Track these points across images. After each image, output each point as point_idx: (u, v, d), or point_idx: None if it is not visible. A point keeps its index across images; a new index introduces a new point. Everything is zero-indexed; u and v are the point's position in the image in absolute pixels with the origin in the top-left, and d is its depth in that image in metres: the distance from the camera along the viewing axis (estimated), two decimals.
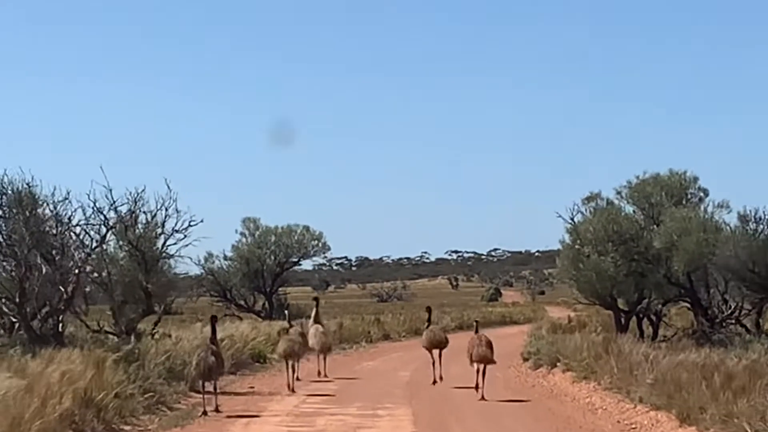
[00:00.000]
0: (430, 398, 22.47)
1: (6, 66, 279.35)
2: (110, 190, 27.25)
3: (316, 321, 28.22)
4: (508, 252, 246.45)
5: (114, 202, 27.32)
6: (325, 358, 28.20)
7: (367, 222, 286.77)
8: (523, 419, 19.20)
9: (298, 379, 25.24)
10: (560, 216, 33.29)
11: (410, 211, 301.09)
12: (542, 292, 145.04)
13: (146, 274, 27.47)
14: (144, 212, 28.08)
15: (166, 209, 27.84)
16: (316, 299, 30.58)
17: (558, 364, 26.59)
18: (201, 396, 20.35)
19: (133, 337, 26.17)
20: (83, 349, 21.83)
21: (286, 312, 31.22)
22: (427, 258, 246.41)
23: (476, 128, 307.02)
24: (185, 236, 28.41)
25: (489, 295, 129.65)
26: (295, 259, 51.38)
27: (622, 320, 33.42)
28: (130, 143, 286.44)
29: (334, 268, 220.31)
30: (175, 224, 28.14)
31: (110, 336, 27.49)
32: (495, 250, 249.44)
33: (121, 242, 28.22)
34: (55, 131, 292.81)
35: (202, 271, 49.14)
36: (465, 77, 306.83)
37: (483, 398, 22.14)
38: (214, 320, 21.71)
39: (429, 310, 28.66)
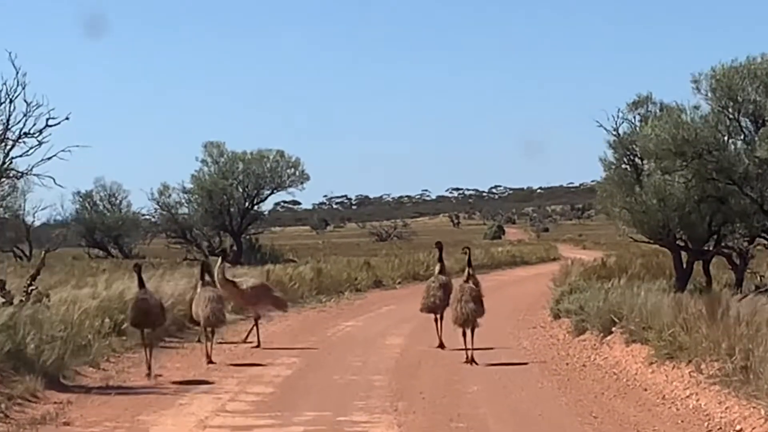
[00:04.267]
0: (431, 396, 14.05)
1: None
2: None
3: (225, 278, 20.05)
4: (510, 189, 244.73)
5: None
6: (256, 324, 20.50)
7: (367, 160, 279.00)
8: None
9: (210, 361, 17.29)
10: (601, 125, 25.00)
11: (410, 149, 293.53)
12: (546, 229, 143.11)
13: None
14: None
15: (11, 100, 18.98)
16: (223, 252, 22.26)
17: (614, 328, 18.37)
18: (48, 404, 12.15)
19: None
20: None
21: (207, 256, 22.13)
22: (428, 196, 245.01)
23: (478, 57, 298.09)
24: (40, 143, 19.59)
25: (492, 233, 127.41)
26: (268, 191, 42.80)
27: (684, 263, 25.14)
28: None
29: (334, 206, 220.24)
30: (24, 124, 19.35)
31: None
32: (496, 187, 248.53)
33: None
34: None
35: (156, 207, 40.73)
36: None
37: (472, 361, 16.83)
38: (137, 269, 16.69)
39: (439, 247, 20.32)
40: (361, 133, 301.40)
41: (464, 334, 17.08)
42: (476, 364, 16.76)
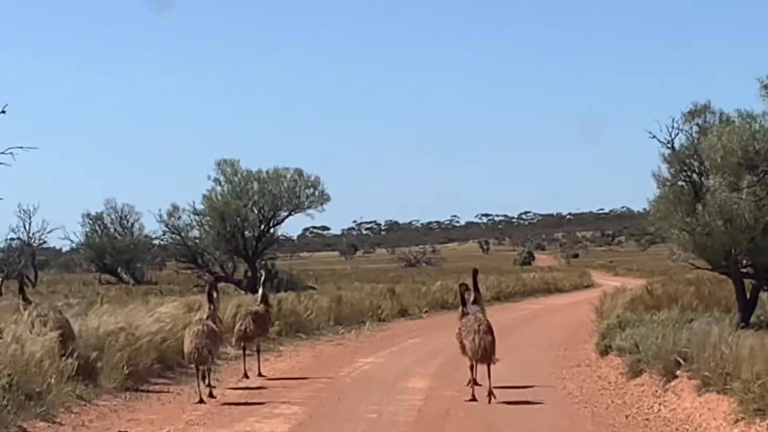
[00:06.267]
0: None
1: None
2: None
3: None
4: (539, 215, 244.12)
5: None
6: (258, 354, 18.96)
7: (397, 186, 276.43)
8: None
9: (211, 394, 15.06)
10: (654, 137, 22.02)
11: (440, 175, 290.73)
12: (576, 255, 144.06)
13: None
14: None
15: None
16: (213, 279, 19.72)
17: (679, 371, 15.31)
18: None
19: None
20: None
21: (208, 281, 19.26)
22: (457, 222, 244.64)
23: (506, 78, 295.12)
24: None
25: (522, 259, 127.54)
26: (285, 213, 39.76)
27: (748, 293, 22.06)
28: None
29: (363, 232, 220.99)
30: None
31: None
32: (526, 213, 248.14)
33: None
34: None
35: (165, 229, 37.80)
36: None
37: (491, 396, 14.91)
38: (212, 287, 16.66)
39: (475, 274, 17.23)
40: (390, 158, 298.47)
41: (473, 368, 15.64)
42: (494, 397, 14.93)
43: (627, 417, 13.83)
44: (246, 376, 18.18)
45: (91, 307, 22.02)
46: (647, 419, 13.62)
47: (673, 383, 15.23)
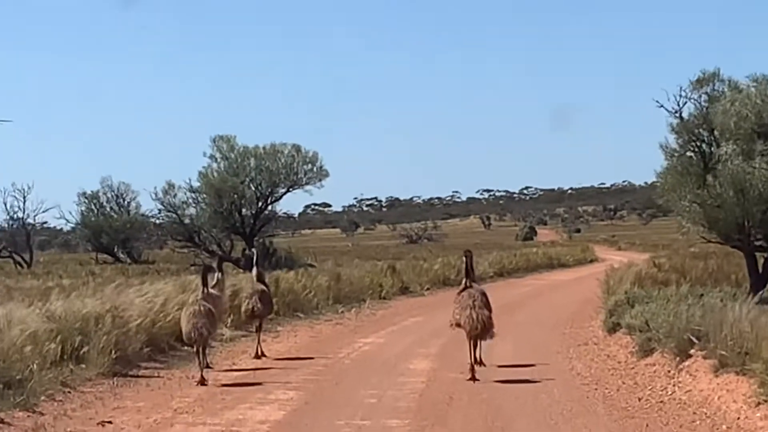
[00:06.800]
0: None
1: None
2: None
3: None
4: (541, 190, 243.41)
5: None
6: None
7: (398, 162, 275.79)
8: None
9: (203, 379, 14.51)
10: (662, 106, 21.24)
11: (441, 151, 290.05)
12: (578, 230, 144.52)
13: None
14: None
15: None
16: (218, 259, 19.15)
17: (693, 350, 14.57)
18: None
19: None
20: None
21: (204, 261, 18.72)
22: (459, 197, 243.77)
23: (508, 53, 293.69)
24: None
25: (524, 234, 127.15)
26: (283, 189, 38.92)
27: (759, 268, 21.31)
28: None
29: (364, 209, 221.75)
30: None
31: None
32: (527, 188, 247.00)
33: None
34: None
35: (161, 207, 36.98)
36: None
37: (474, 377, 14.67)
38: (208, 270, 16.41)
39: (468, 256, 16.09)
40: (391, 135, 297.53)
41: (473, 347, 15.01)
42: (477, 379, 14.68)
43: (640, 399, 13.10)
44: (258, 356, 17.76)
45: (81, 288, 21.34)
46: (661, 402, 12.89)
47: (687, 363, 14.48)
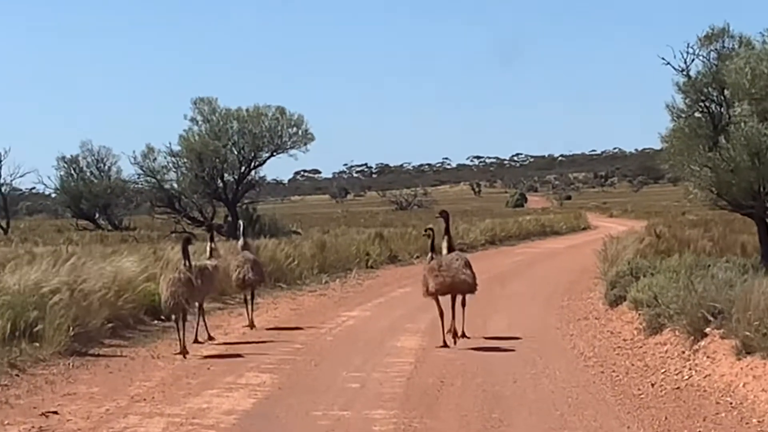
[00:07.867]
0: None
1: None
2: None
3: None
4: (531, 157, 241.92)
5: None
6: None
7: (388, 128, 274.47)
8: None
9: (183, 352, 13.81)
10: (668, 63, 19.78)
11: (431, 117, 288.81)
12: (569, 197, 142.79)
13: None
14: None
15: None
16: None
17: (709, 328, 13.17)
18: None
19: None
20: None
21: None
22: (449, 164, 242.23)
23: (495, 15, 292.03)
24: None
25: (514, 201, 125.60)
26: (267, 153, 37.39)
27: None
28: None
29: (354, 175, 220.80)
30: None
31: None
32: (517, 155, 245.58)
33: None
34: None
35: (140, 172, 35.47)
36: None
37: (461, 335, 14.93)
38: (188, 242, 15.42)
39: (445, 217, 15.90)
40: (381, 101, 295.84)
41: (453, 313, 14.81)
42: (467, 337, 14.92)
43: (653, 385, 11.71)
44: (250, 326, 17.14)
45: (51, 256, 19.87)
46: (678, 388, 11.50)
47: (702, 343, 13.06)
